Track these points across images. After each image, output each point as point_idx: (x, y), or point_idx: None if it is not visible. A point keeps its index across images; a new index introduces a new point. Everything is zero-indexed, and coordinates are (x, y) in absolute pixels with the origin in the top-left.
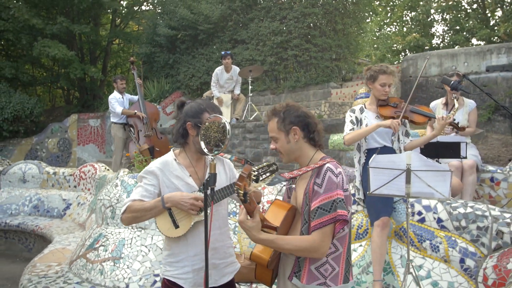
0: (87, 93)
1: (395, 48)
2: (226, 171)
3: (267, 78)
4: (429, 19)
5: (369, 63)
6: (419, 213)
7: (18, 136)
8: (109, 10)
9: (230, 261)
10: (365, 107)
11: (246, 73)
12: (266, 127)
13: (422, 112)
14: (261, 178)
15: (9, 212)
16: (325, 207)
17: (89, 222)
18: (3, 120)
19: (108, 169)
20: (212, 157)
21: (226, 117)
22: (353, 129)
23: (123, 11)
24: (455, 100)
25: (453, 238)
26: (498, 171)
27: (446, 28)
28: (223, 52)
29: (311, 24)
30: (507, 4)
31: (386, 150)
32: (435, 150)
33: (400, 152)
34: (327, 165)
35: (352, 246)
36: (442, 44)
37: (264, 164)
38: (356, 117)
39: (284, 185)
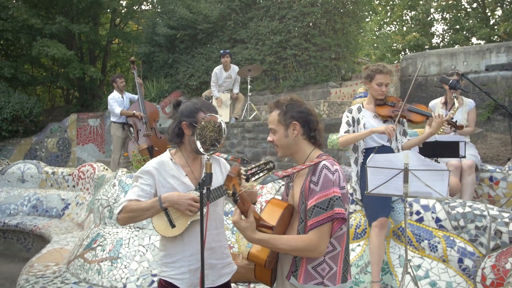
0: (87, 92)
1: (394, 47)
2: (222, 171)
3: (266, 78)
4: (429, 18)
5: (368, 62)
6: (418, 213)
7: (17, 136)
8: (108, 10)
9: (227, 262)
10: (363, 107)
11: (245, 73)
12: (265, 126)
13: (419, 111)
14: (257, 177)
15: (8, 212)
16: (321, 205)
17: (87, 222)
18: (2, 120)
19: (106, 169)
20: (208, 157)
21: (225, 117)
22: (348, 131)
23: (123, 11)
24: (454, 99)
25: (452, 238)
26: (497, 170)
27: (446, 28)
28: (221, 51)
29: (310, 24)
30: (507, 3)
31: (384, 149)
32: (433, 150)
33: (398, 151)
34: (323, 162)
35: (351, 246)
36: (442, 43)
37: (261, 162)
38: (353, 117)
39: (283, 185)
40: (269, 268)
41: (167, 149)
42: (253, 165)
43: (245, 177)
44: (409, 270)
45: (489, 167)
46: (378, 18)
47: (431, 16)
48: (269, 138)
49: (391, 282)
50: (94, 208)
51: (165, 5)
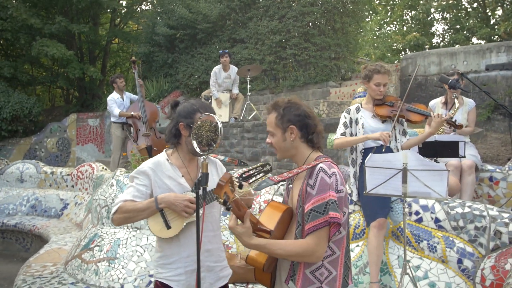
0: (86, 92)
1: (395, 47)
2: (219, 173)
3: (266, 77)
4: (429, 18)
5: (368, 62)
6: (417, 213)
7: (17, 135)
8: (108, 10)
9: (224, 264)
10: (362, 106)
11: (244, 72)
12: (264, 126)
13: (418, 111)
14: (254, 179)
15: (7, 212)
16: (318, 209)
17: (86, 222)
18: (2, 119)
19: (105, 169)
20: (204, 157)
21: (224, 117)
22: (344, 133)
23: (123, 11)
24: (455, 99)
25: (451, 238)
26: (497, 170)
27: (446, 27)
28: (221, 51)
29: (310, 23)
30: (508, 3)
31: (383, 149)
32: (433, 149)
33: (398, 151)
34: (320, 165)
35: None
36: (442, 43)
37: (258, 164)
38: (350, 118)
39: (282, 185)
40: (267, 272)
41: (164, 150)
42: (249, 167)
43: (238, 184)
44: (408, 270)
45: (489, 167)
46: (378, 17)
47: (431, 16)
48: (267, 140)
49: (390, 283)
50: (92, 208)
51: (164, 5)
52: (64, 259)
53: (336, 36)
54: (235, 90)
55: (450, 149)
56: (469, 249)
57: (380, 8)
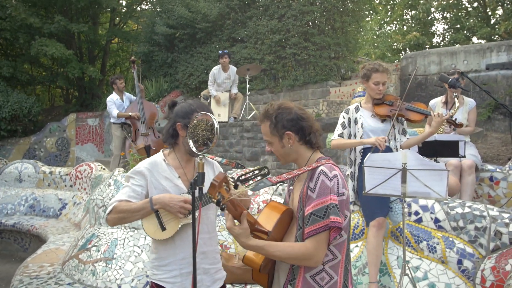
0: (86, 92)
1: (395, 46)
2: (216, 174)
3: (266, 77)
4: (429, 18)
5: (368, 61)
6: (416, 213)
7: (16, 135)
8: (107, 9)
9: (219, 266)
10: (361, 106)
11: (244, 72)
12: None
13: (418, 110)
14: (251, 182)
15: (5, 211)
16: (318, 213)
17: (84, 222)
18: (1, 119)
19: (104, 169)
20: (200, 156)
21: (224, 116)
22: (342, 133)
23: (123, 10)
24: (455, 98)
25: (451, 239)
26: (498, 170)
27: (446, 27)
28: (220, 51)
29: (310, 22)
30: (508, 2)
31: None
32: (433, 149)
33: (397, 151)
34: (321, 167)
35: None
36: (442, 42)
37: (255, 167)
38: (349, 118)
39: (281, 185)
40: (264, 273)
41: (161, 150)
42: (246, 171)
43: (233, 184)
44: (408, 271)
45: (489, 167)
46: (379, 17)
47: (432, 15)
48: (267, 149)
49: (389, 284)
50: (90, 208)
51: (164, 4)
52: (61, 260)
53: (336, 35)
54: (234, 90)
55: (450, 149)
56: (469, 249)
57: (380, 8)
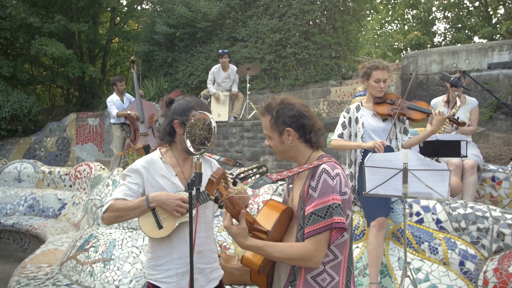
0: (86, 92)
1: (396, 46)
2: None
3: (266, 76)
4: (430, 17)
5: (369, 61)
6: (418, 214)
7: (16, 135)
8: (108, 9)
9: (215, 266)
10: (362, 105)
11: (244, 71)
12: None
13: (419, 108)
14: (249, 180)
15: (4, 211)
16: (319, 213)
17: (83, 222)
18: (1, 119)
19: (103, 168)
20: (198, 156)
21: (224, 116)
22: (342, 134)
23: (123, 10)
24: (457, 97)
25: (453, 240)
26: (500, 170)
27: (447, 26)
28: (220, 51)
29: (310, 22)
30: (510, 1)
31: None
32: (434, 149)
33: (398, 150)
34: (323, 166)
35: None
36: (443, 42)
37: (253, 166)
38: (350, 117)
39: (281, 185)
40: (263, 274)
41: (158, 148)
42: (244, 169)
43: (232, 180)
44: (409, 273)
45: (491, 167)
46: (380, 16)
47: (433, 14)
48: (266, 143)
49: (390, 285)
50: (88, 208)
51: (164, 4)
52: (59, 260)
53: (337, 34)
54: (235, 88)
55: (451, 149)
56: (471, 251)
57: (381, 7)
